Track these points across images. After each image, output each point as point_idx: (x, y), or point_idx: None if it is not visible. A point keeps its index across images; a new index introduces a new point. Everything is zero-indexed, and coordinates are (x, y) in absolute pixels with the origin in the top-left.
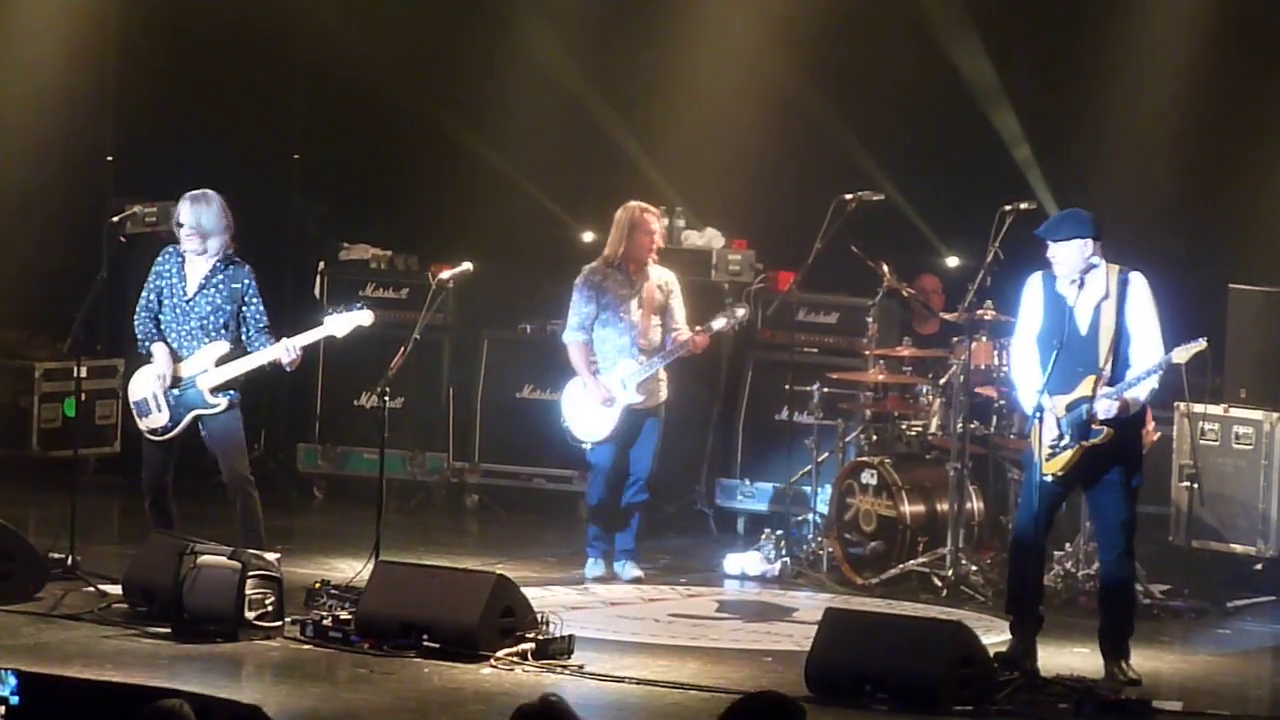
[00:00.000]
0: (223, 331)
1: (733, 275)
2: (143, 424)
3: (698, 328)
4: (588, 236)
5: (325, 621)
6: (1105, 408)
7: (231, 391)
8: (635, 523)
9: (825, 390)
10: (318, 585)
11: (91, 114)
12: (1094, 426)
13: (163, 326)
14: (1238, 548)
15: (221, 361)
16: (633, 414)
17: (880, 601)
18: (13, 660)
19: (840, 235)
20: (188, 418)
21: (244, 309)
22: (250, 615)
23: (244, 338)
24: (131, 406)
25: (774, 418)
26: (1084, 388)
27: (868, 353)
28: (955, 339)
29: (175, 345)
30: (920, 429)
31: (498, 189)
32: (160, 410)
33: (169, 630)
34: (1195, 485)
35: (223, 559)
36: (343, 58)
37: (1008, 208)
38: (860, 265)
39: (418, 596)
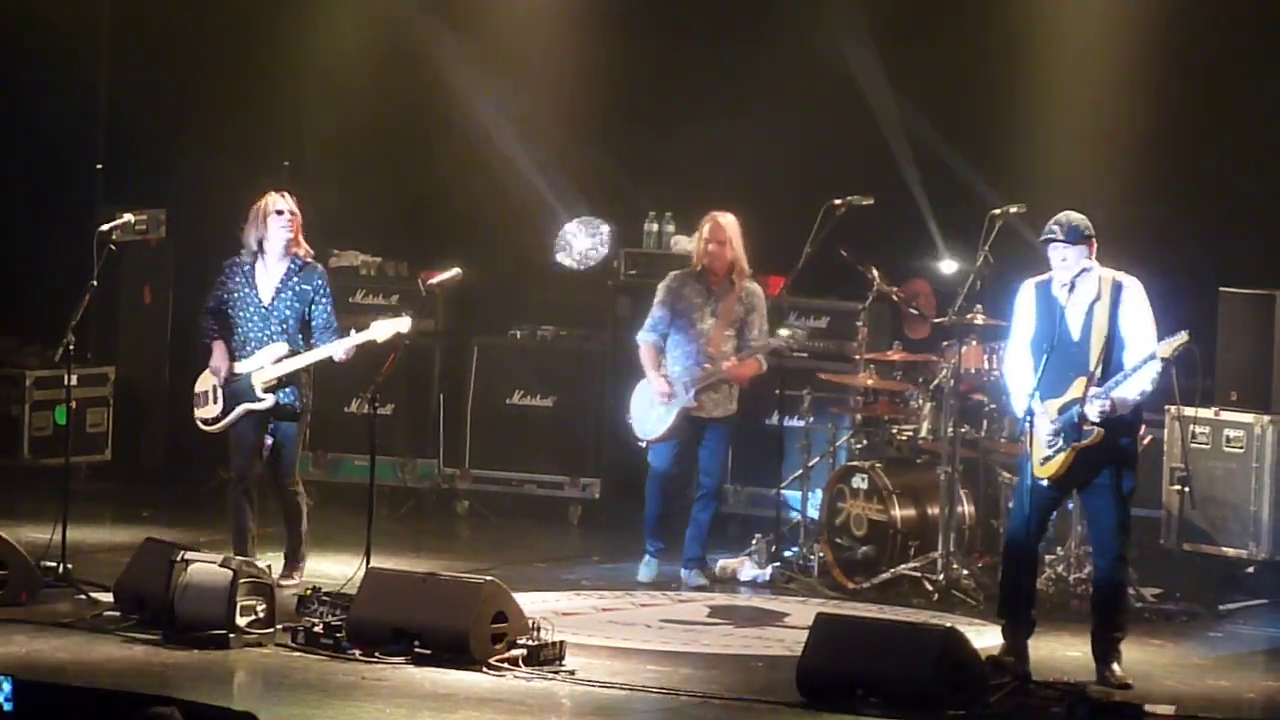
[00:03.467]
0: (293, 332)
1: None
2: (197, 413)
3: (735, 356)
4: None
5: (316, 628)
6: (1096, 408)
7: (289, 391)
8: (703, 532)
9: (815, 394)
10: (309, 592)
11: (82, 122)
12: (1085, 428)
13: (240, 333)
14: (1229, 551)
15: (279, 361)
16: (693, 421)
17: (871, 606)
18: (4, 668)
19: (830, 239)
20: (237, 410)
21: (312, 308)
22: (242, 622)
23: (313, 337)
24: (194, 398)
25: (764, 422)
26: (1075, 390)
27: (858, 357)
28: (945, 343)
29: (255, 348)
30: (911, 433)
31: (488, 194)
32: (215, 403)
33: (160, 637)
34: (1186, 488)
35: (214, 566)
36: (331, 65)
37: (997, 211)
38: (850, 269)
39: (409, 603)
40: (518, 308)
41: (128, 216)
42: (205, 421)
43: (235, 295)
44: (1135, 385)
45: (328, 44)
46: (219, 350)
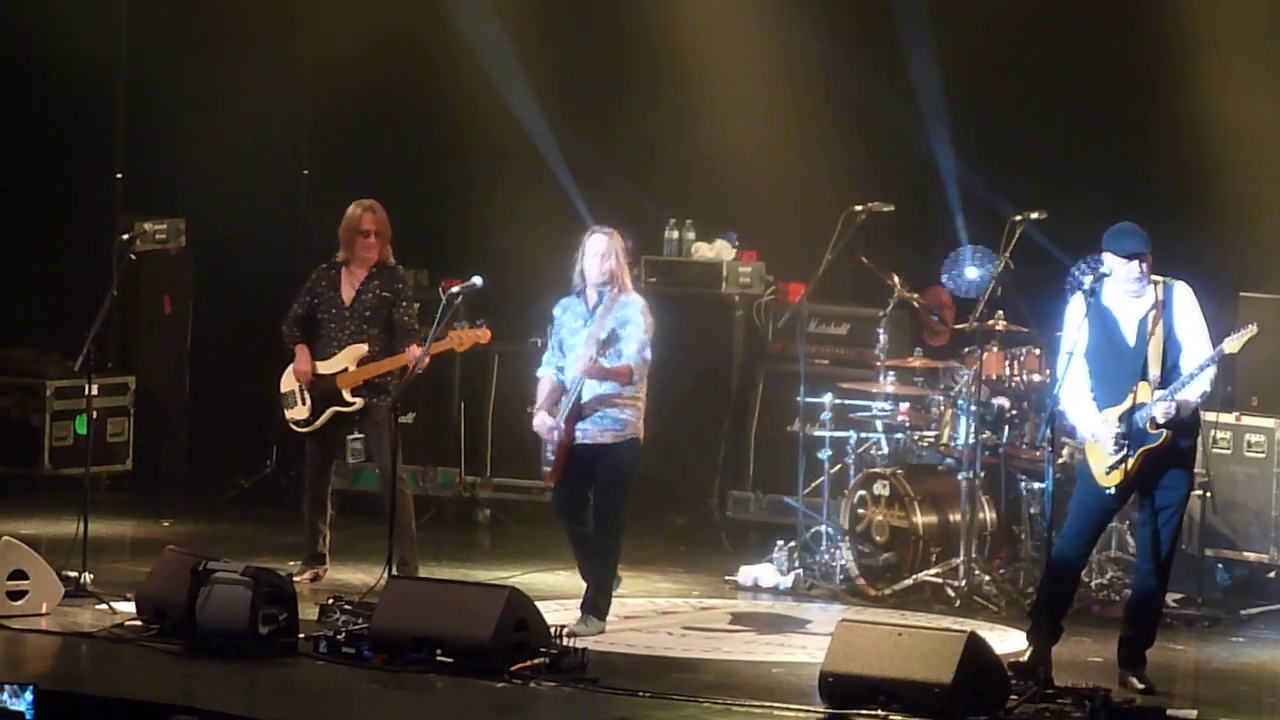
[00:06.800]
0: (374, 334)
1: (743, 287)
2: (287, 414)
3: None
4: None
5: (338, 637)
6: (1163, 409)
7: (375, 393)
8: (596, 571)
9: (837, 401)
10: (330, 601)
11: (101, 131)
12: (1151, 431)
13: (324, 334)
14: (1250, 555)
15: (362, 362)
16: (583, 451)
17: (894, 612)
18: (27, 677)
19: (850, 246)
20: (327, 413)
21: (394, 312)
22: (263, 631)
23: (395, 341)
24: (282, 398)
25: (785, 429)
26: (1140, 395)
27: (879, 364)
28: (966, 349)
29: (337, 349)
30: (932, 439)
31: (509, 202)
32: (304, 404)
33: (182, 647)
34: (1208, 493)
35: (235, 575)
36: (351, 73)
37: (1018, 217)
38: (870, 276)
39: (430, 611)
40: (538, 316)
41: (147, 226)
42: (297, 423)
43: (321, 298)
44: (1198, 386)
45: (348, 52)
46: (302, 354)
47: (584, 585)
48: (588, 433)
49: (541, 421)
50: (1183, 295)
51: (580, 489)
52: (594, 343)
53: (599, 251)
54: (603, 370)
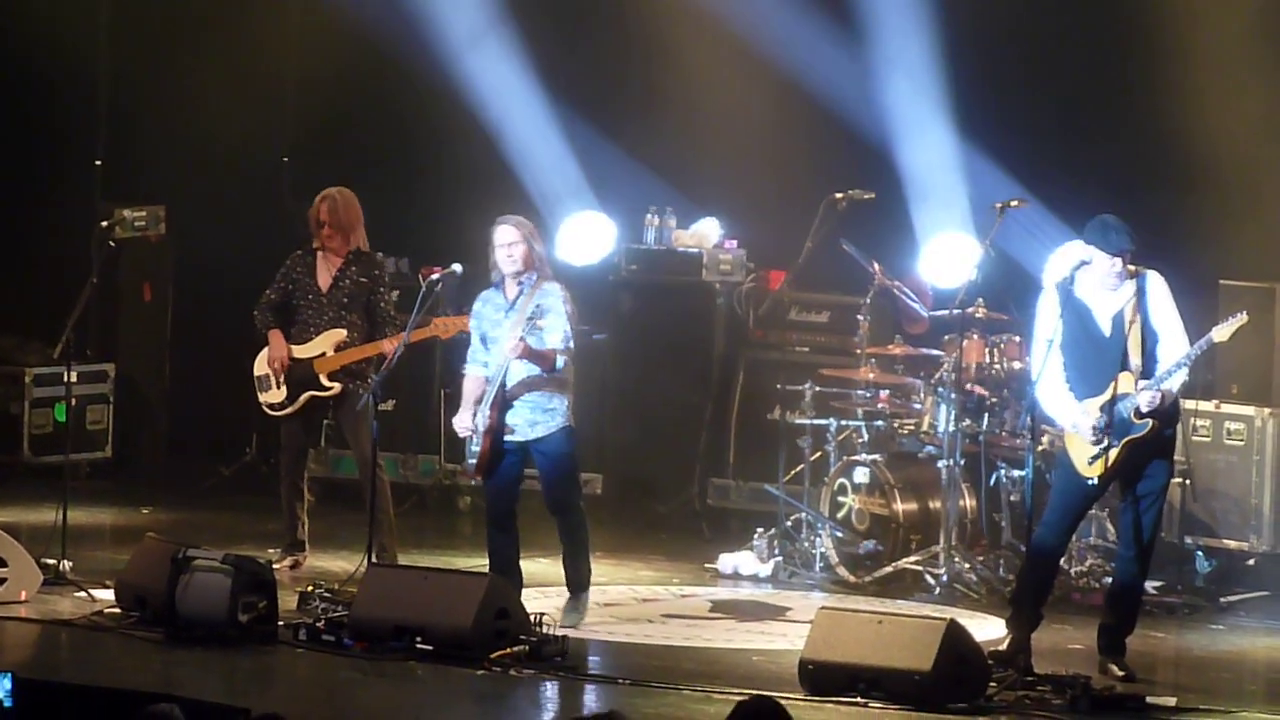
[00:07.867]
0: (353, 320)
1: (724, 274)
2: (261, 398)
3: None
4: None
5: (318, 625)
6: (1148, 399)
7: (353, 379)
8: (573, 555)
9: (817, 389)
10: (310, 588)
11: (80, 118)
12: (1136, 421)
13: (300, 320)
14: (1230, 543)
15: (340, 347)
16: (514, 448)
17: (874, 600)
18: (5, 665)
19: (831, 234)
20: (302, 397)
21: (371, 298)
22: (243, 619)
23: (375, 328)
24: (255, 382)
25: (766, 417)
26: (1122, 385)
27: (860, 351)
28: (946, 336)
29: (313, 334)
30: (913, 427)
31: (488, 190)
32: (279, 388)
33: (161, 635)
34: (1187, 481)
35: (214, 563)
36: (332, 61)
37: (998, 204)
38: (851, 264)
39: (411, 599)
40: None
41: (127, 213)
42: (271, 407)
43: (297, 284)
44: (1180, 376)
45: (329, 39)
46: (276, 339)
47: (563, 574)
48: (517, 428)
49: (461, 422)
50: (1156, 284)
51: (510, 490)
52: (519, 327)
53: (505, 241)
54: (529, 350)
